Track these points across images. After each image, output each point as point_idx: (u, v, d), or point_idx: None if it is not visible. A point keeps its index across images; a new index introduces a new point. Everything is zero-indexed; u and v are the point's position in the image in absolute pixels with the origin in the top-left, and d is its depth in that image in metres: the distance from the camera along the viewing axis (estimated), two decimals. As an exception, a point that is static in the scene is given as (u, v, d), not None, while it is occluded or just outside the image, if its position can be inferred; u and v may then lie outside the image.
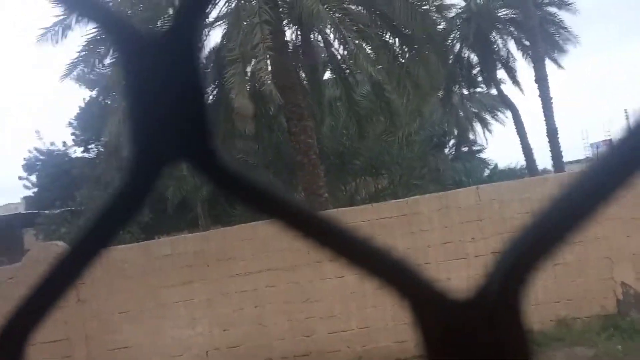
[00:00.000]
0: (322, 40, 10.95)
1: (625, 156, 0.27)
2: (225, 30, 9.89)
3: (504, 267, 0.29)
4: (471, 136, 25.38)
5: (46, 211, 14.58)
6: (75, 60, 9.73)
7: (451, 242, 6.22)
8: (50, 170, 18.46)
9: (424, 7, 9.19)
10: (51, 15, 9.57)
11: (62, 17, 9.27)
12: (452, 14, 18.18)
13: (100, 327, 6.55)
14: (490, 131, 25.43)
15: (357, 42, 8.79)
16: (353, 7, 9.93)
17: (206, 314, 6.48)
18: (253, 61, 8.34)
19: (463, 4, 18.81)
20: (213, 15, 9.95)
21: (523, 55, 19.27)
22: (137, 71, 0.31)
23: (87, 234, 0.31)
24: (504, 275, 0.29)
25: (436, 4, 9.59)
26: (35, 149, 19.56)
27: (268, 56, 8.02)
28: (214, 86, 10.42)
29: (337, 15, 8.76)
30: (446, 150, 23.12)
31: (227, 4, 9.96)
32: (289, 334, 6.33)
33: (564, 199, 0.28)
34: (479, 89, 22.96)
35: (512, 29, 19.36)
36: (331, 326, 6.26)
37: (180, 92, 0.31)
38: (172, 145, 0.31)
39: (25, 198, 20.12)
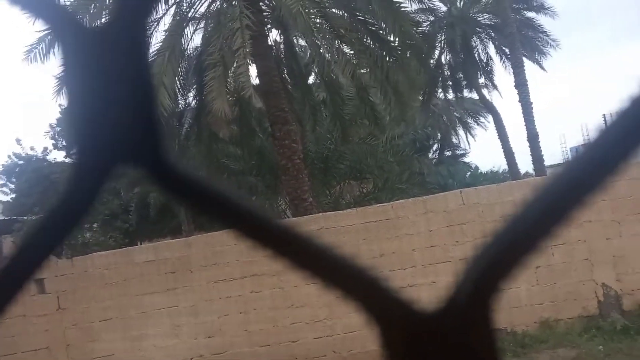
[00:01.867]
0: (305, 45, 10.97)
1: (598, 158, 0.26)
2: (205, 34, 9.84)
3: (474, 275, 0.27)
4: (454, 140, 25.66)
5: (24, 217, 14.28)
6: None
7: (436, 246, 6.26)
8: (29, 176, 18.11)
9: (403, 9, 9.25)
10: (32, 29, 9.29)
11: (45, 32, 9.07)
12: (432, 19, 18.43)
13: (81, 336, 6.42)
14: (473, 135, 25.74)
15: (337, 46, 8.82)
16: (335, 11, 9.96)
17: (190, 321, 6.40)
18: (233, 66, 8.31)
19: (444, 8, 19.02)
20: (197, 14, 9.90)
21: (501, 60, 19.59)
22: (80, 68, 0.29)
23: (31, 241, 0.29)
24: (473, 284, 0.27)
25: (421, 5, 9.67)
26: (14, 154, 19.19)
27: (248, 61, 7.99)
28: (196, 91, 10.36)
29: (317, 20, 8.78)
30: (430, 154, 23.33)
31: (207, 8, 9.92)
32: (274, 340, 6.29)
33: (535, 202, 0.27)
34: (460, 94, 23.25)
35: (492, 33, 19.66)
36: (317, 331, 6.23)
37: (126, 91, 0.28)
38: (118, 149, 0.29)
39: (3, 204, 19.69)
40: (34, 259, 0.30)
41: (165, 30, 9.12)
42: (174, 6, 9.66)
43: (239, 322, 6.35)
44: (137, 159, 0.29)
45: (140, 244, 10.92)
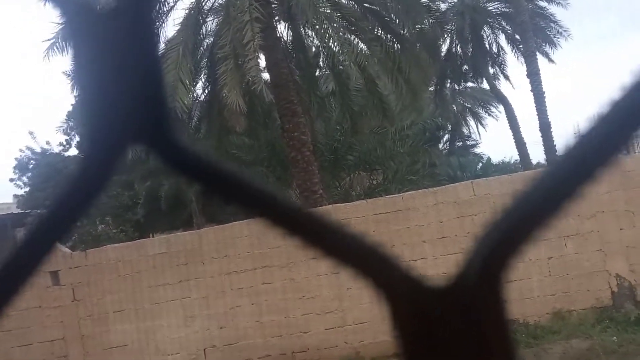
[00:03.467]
0: (313, 36, 10.92)
1: (604, 134, 0.26)
2: (216, 26, 9.84)
3: (483, 251, 0.27)
4: (465, 131, 25.47)
5: (37, 211, 14.47)
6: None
7: (447, 237, 6.24)
8: (43, 170, 18.33)
9: (415, 1, 9.18)
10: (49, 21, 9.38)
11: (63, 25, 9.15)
12: (444, 8, 18.21)
13: (95, 327, 6.52)
14: (483, 126, 25.53)
15: (347, 36, 8.77)
16: (344, 2, 9.89)
17: (202, 311, 6.46)
18: (244, 58, 8.31)
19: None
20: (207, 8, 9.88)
21: (513, 50, 19.35)
22: (87, 49, 0.29)
23: (45, 223, 0.29)
24: (483, 260, 0.27)
25: None
26: (28, 148, 19.40)
27: (259, 54, 7.99)
28: (208, 83, 10.37)
29: (327, 10, 8.73)
30: (440, 145, 23.18)
31: (216, 1, 9.91)
32: (285, 331, 6.33)
33: (542, 183, 0.27)
34: (471, 84, 23.04)
35: (503, 23, 19.41)
36: (328, 322, 6.26)
37: (134, 72, 0.28)
38: (128, 129, 0.29)
39: (17, 197, 19.96)
40: (41, 249, 0.30)
41: (178, 24, 9.14)
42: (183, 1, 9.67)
43: (251, 313, 6.40)
44: (149, 140, 0.29)
45: (152, 237, 11.02)
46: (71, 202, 0.29)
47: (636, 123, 0.25)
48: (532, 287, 6.10)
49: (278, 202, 0.29)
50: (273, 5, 9.71)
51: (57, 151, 19.14)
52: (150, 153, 0.29)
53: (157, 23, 9.54)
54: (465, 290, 0.27)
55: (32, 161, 19.37)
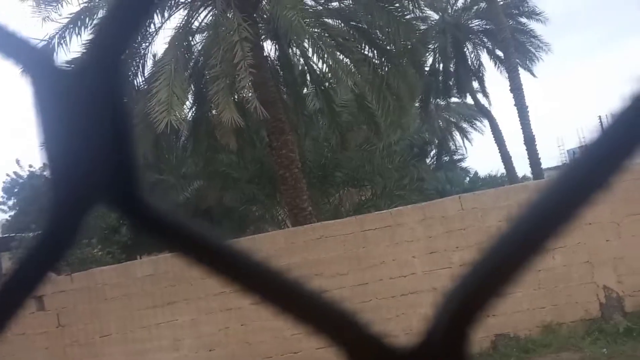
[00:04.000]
0: (300, 55, 11.02)
1: (590, 167, 0.25)
2: (203, 45, 9.89)
3: (450, 310, 0.27)
4: (451, 145, 25.72)
5: (22, 234, 14.23)
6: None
7: (436, 252, 6.25)
8: (27, 194, 18.08)
9: (403, 19, 9.33)
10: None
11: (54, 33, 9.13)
12: (425, 27, 18.53)
13: (82, 352, 6.37)
14: (469, 140, 25.82)
15: (336, 55, 8.87)
16: (331, 22, 10.03)
17: (191, 334, 6.36)
18: (235, 78, 8.35)
19: (436, 16, 19.18)
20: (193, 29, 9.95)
21: (495, 65, 19.71)
22: (53, 103, 0.28)
23: (10, 283, 0.29)
24: (449, 319, 0.27)
25: (415, 14, 9.76)
26: (15, 173, 19.22)
27: (249, 73, 8.04)
28: (194, 102, 10.38)
29: (315, 30, 8.84)
30: (427, 160, 23.36)
31: (204, 20, 9.98)
32: (276, 352, 6.25)
33: (512, 231, 0.26)
34: (456, 99, 23.37)
35: (485, 39, 19.81)
36: (319, 341, 6.19)
37: (102, 130, 0.28)
38: (94, 189, 0.29)
39: (2, 222, 19.64)
40: (23, 293, 0.30)
41: (166, 43, 9.17)
42: (175, 18, 9.73)
43: (240, 335, 6.31)
44: (112, 199, 0.29)
45: (139, 258, 10.87)
46: (46, 248, 0.29)
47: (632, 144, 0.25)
48: (522, 301, 6.11)
49: (242, 260, 0.29)
50: (260, 25, 9.81)
51: (40, 173, 18.93)
52: (116, 212, 0.28)
53: (142, 47, 9.58)
54: (431, 352, 0.27)
55: (16, 186, 19.15)
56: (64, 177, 0.29)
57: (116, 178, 0.28)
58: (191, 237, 0.29)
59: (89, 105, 0.28)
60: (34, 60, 0.29)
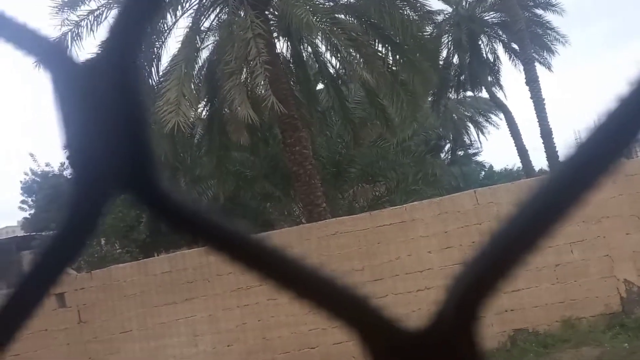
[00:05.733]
0: (312, 51, 11.02)
1: (586, 159, 0.26)
2: (216, 44, 9.93)
3: (459, 291, 0.27)
4: (466, 140, 25.49)
5: (42, 233, 14.50)
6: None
7: (452, 247, 6.20)
8: (47, 192, 18.40)
9: (414, 15, 9.26)
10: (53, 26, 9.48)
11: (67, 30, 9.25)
12: (440, 19, 18.38)
13: (102, 348, 6.48)
14: (485, 134, 25.55)
15: (348, 50, 8.85)
16: (343, 17, 10.00)
17: (209, 330, 6.42)
18: (247, 74, 8.39)
19: (449, 9, 18.99)
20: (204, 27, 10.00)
21: (510, 58, 19.45)
22: (71, 98, 0.29)
23: (31, 276, 0.30)
24: (459, 300, 0.27)
25: (426, 9, 9.67)
26: (31, 170, 19.53)
27: (264, 69, 8.06)
28: (207, 100, 10.44)
29: (327, 25, 8.82)
30: (442, 155, 23.19)
31: (216, 18, 10.02)
32: (293, 347, 6.28)
33: (522, 212, 0.26)
34: (470, 93, 23.14)
35: (500, 32, 19.55)
36: (336, 337, 6.21)
37: (118, 119, 0.29)
38: (112, 177, 0.29)
39: (23, 221, 20.04)
40: (43, 285, 0.31)
41: (179, 42, 9.24)
42: (187, 17, 9.79)
43: (258, 330, 6.36)
44: (130, 187, 0.29)
45: (157, 256, 11.00)
46: (66, 238, 0.30)
47: (636, 128, 0.25)
48: (541, 295, 6.04)
49: (258, 248, 0.29)
50: (272, 22, 9.83)
51: (59, 171, 19.25)
52: (135, 203, 0.29)
53: (154, 48, 9.66)
54: (441, 333, 0.27)
55: (34, 184, 19.49)
56: (83, 169, 0.29)
57: (134, 169, 0.29)
58: (210, 226, 0.29)
59: (106, 98, 0.29)
60: (53, 54, 0.30)
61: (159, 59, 9.89)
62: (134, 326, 6.48)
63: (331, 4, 10.27)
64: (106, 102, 0.29)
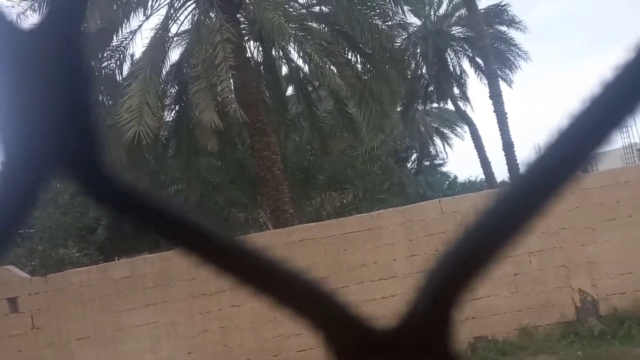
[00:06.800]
0: (283, 57, 11.02)
1: (550, 166, 0.26)
2: (186, 46, 9.80)
3: (430, 290, 0.26)
4: (432, 150, 25.99)
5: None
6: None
7: (416, 255, 6.29)
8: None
9: (384, 25, 9.41)
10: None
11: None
12: (409, 32, 18.76)
13: (56, 355, 6.23)
14: (450, 145, 26.12)
15: (318, 57, 8.90)
16: (315, 25, 10.06)
17: (169, 337, 6.27)
18: (215, 79, 8.29)
19: (419, 22, 19.41)
20: (173, 30, 9.86)
21: (476, 72, 20.02)
22: (10, 68, 0.26)
23: None
24: (430, 299, 0.26)
25: (396, 21, 9.84)
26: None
27: (230, 75, 7.99)
28: (176, 102, 10.27)
29: (299, 33, 8.85)
30: (409, 165, 23.56)
31: (188, 20, 9.90)
32: (256, 355, 6.20)
33: (489, 213, 0.26)
34: (437, 105, 23.65)
35: (466, 46, 20.11)
36: (300, 344, 6.18)
37: (61, 98, 0.26)
38: (51, 154, 0.26)
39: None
40: None
41: (146, 45, 9.05)
42: (155, 16, 9.61)
43: (220, 337, 6.25)
44: (71, 168, 0.26)
45: (117, 260, 10.68)
46: None
47: (593, 143, 0.25)
48: (500, 304, 6.20)
49: (211, 235, 0.27)
50: (243, 26, 9.78)
51: None
52: (74, 182, 0.26)
53: (122, 45, 9.44)
54: (411, 332, 0.26)
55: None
56: (17, 145, 0.26)
57: (74, 146, 0.26)
58: (156, 208, 0.27)
59: (45, 68, 0.26)
60: None
61: (122, 60, 9.66)
62: (91, 332, 6.26)
63: (304, 11, 10.32)
64: (47, 74, 0.26)
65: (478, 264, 0.26)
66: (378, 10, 9.37)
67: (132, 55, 9.67)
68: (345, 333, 0.26)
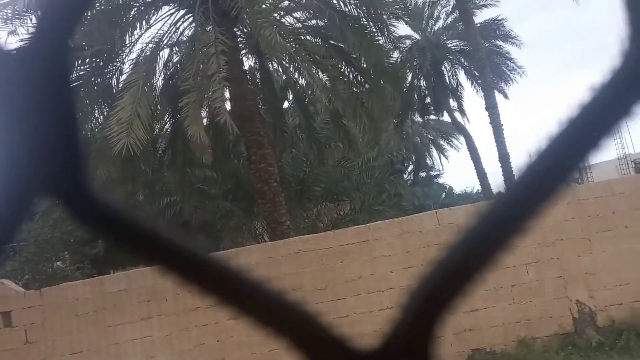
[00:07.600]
0: (281, 70, 11.09)
1: (532, 182, 0.26)
2: (181, 59, 9.85)
3: (414, 309, 0.26)
4: (428, 162, 26.06)
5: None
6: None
7: (413, 267, 6.27)
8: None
9: (377, 41, 9.48)
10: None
11: None
12: (406, 45, 18.96)
13: (49, 371, 6.15)
14: (446, 157, 26.21)
15: (313, 72, 8.95)
16: (310, 39, 10.14)
17: (165, 350, 6.21)
18: (209, 91, 8.31)
19: (416, 36, 19.62)
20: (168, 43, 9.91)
21: (472, 84, 20.21)
22: None
23: None
24: (412, 320, 0.26)
25: (391, 37, 9.92)
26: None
27: (225, 87, 8.00)
28: (170, 116, 10.29)
29: (293, 46, 8.91)
30: (405, 176, 23.60)
31: (180, 33, 9.95)
32: (252, 368, 6.14)
33: (471, 232, 0.26)
34: (433, 117, 23.79)
35: (462, 59, 20.31)
36: (296, 358, 6.12)
37: (47, 119, 0.26)
38: (39, 180, 0.26)
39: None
40: None
41: (137, 57, 9.07)
42: (148, 31, 9.66)
43: (216, 351, 6.19)
44: (56, 191, 0.26)
45: (112, 273, 10.60)
46: None
47: (580, 153, 0.25)
48: (497, 316, 6.17)
49: (192, 256, 0.27)
50: (241, 39, 9.84)
51: None
52: (60, 205, 0.26)
53: (115, 62, 9.45)
54: (394, 353, 0.26)
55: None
56: (4, 167, 0.26)
57: (60, 169, 0.26)
58: (143, 232, 0.27)
59: (32, 92, 0.26)
60: None
61: (120, 73, 9.68)
62: (85, 347, 6.19)
63: (299, 25, 10.41)
64: (34, 95, 0.26)
65: (461, 282, 0.26)
66: (368, 29, 9.44)
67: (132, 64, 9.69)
68: (327, 354, 0.26)
